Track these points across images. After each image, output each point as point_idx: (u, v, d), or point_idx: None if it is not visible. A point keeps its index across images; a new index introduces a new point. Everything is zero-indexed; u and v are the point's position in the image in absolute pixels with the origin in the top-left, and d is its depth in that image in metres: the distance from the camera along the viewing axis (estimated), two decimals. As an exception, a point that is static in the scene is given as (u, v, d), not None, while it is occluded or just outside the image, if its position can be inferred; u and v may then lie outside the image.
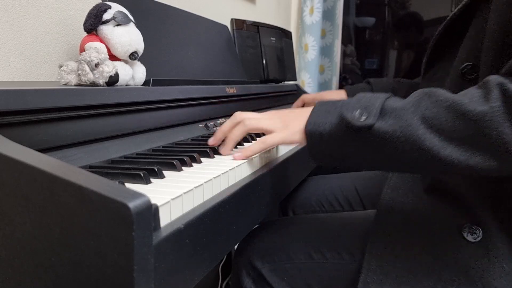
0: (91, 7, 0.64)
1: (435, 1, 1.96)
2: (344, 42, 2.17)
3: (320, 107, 0.53)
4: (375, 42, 2.17)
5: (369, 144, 0.48)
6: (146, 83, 0.70)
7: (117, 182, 0.34)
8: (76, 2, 0.82)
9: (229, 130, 0.59)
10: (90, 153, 0.51)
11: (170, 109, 0.70)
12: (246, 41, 1.32)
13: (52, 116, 0.47)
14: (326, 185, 0.98)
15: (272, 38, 1.48)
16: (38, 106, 0.45)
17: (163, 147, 0.63)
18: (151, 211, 0.30)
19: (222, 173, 0.48)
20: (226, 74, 1.08)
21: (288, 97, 1.40)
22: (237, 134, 0.57)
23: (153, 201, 0.32)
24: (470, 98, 0.45)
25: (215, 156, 0.59)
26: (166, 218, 0.36)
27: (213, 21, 1.11)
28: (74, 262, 0.30)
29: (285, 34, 1.63)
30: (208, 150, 0.58)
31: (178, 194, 0.38)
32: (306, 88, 2.02)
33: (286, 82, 1.60)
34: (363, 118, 0.47)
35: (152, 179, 0.44)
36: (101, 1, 0.68)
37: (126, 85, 0.65)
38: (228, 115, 0.92)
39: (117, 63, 0.62)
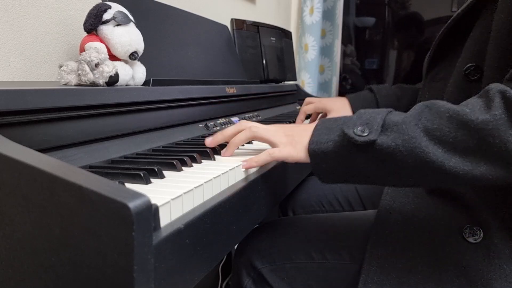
0: (91, 7, 0.64)
1: (435, 1, 1.96)
2: (344, 42, 2.17)
3: (322, 125, 0.52)
4: (375, 42, 2.17)
5: (373, 160, 0.47)
6: (146, 83, 0.70)
7: (117, 182, 0.34)
8: (76, 2, 0.82)
9: (231, 136, 0.59)
10: (90, 153, 0.51)
11: (170, 109, 0.70)
12: (246, 41, 1.32)
13: (52, 116, 0.47)
14: (326, 185, 0.98)
15: (272, 38, 1.48)
16: (38, 106, 0.45)
17: (163, 147, 0.63)
18: (151, 211, 0.30)
19: (222, 173, 0.48)
20: (226, 74, 1.08)
21: (288, 97, 1.40)
22: (241, 139, 0.57)
23: (153, 201, 0.32)
24: (471, 107, 0.44)
25: (215, 156, 0.58)
26: (166, 218, 0.36)
27: (213, 21, 1.11)
28: (74, 262, 0.30)
29: (285, 34, 1.63)
30: (208, 150, 0.58)
31: (178, 194, 0.38)
32: (306, 88, 2.02)
33: (286, 82, 1.60)
34: (365, 134, 0.47)
35: (152, 179, 0.44)
36: (101, 1, 0.68)
37: (126, 85, 0.65)
38: (228, 115, 0.92)
39: (117, 63, 0.62)
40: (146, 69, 0.71)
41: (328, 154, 0.49)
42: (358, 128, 0.47)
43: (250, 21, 1.38)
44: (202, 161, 0.55)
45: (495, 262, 0.53)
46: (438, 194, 0.60)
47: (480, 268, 0.53)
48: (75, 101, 0.50)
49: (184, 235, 0.36)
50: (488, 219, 0.54)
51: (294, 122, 1.00)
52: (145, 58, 0.70)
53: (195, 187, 0.41)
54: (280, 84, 1.50)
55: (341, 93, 2.14)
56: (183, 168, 0.50)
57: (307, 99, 0.96)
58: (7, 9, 0.68)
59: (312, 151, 0.51)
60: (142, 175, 0.43)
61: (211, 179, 0.45)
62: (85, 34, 0.64)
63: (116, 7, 0.64)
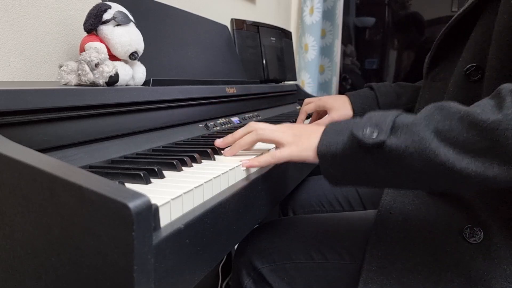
0: (91, 7, 0.64)
1: (435, 1, 1.96)
2: (344, 42, 2.17)
3: (331, 128, 0.52)
4: (375, 42, 2.17)
5: (382, 162, 0.46)
6: (146, 83, 0.70)
7: (117, 182, 0.34)
8: (76, 2, 0.82)
9: (240, 137, 0.59)
10: (90, 153, 0.51)
11: (170, 109, 0.70)
12: (246, 41, 1.32)
13: (52, 116, 0.47)
14: (326, 185, 0.98)
15: (272, 38, 1.49)
16: (38, 106, 0.45)
17: (163, 147, 0.63)
18: (151, 211, 0.30)
19: (222, 173, 0.48)
20: (226, 74, 1.08)
21: (288, 97, 1.40)
22: (247, 141, 0.58)
23: (153, 201, 0.32)
24: (482, 108, 0.43)
25: (215, 156, 0.58)
26: (166, 218, 0.36)
27: (213, 21, 1.11)
28: (74, 262, 0.30)
29: (285, 34, 1.63)
30: (208, 150, 0.58)
31: (178, 194, 0.38)
32: (306, 88, 2.02)
33: (286, 82, 1.60)
34: (375, 135, 0.46)
35: (152, 179, 0.44)
36: (101, 1, 0.68)
37: (126, 85, 0.65)
38: (228, 115, 0.92)
39: (117, 63, 0.62)
40: (146, 69, 0.71)
41: (337, 156, 0.49)
42: (368, 130, 0.47)
43: (250, 21, 1.38)
44: (202, 161, 0.55)
45: (495, 263, 0.53)
46: (438, 195, 0.60)
47: (481, 268, 0.53)
48: (75, 101, 0.50)
49: (184, 235, 0.36)
50: (489, 219, 0.54)
51: (295, 121, 1.00)
52: (145, 58, 0.70)
53: (195, 187, 0.41)
54: (280, 84, 1.50)
55: (341, 93, 2.14)
56: (183, 168, 0.50)
57: (307, 100, 0.96)
58: (7, 9, 0.68)
59: (321, 153, 0.50)
60: (142, 175, 0.43)
61: (211, 179, 0.45)
62: (85, 34, 0.64)
63: (116, 7, 0.64)
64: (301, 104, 1.16)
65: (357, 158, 0.48)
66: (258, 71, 1.37)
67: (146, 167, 0.46)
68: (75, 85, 0.59)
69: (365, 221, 0.67)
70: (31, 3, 0.72)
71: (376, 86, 0.93)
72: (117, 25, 0.63)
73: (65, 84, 0.60)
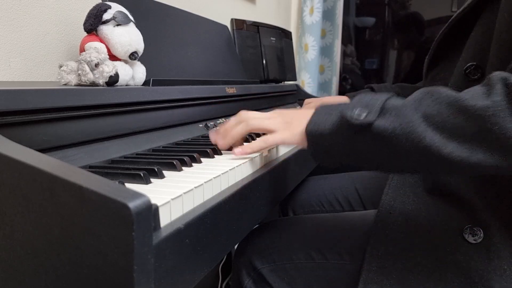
0: (91, 7, 0.64)
1: (435, 1, 1.96)
2: (344, 42, 2.17)
3: (322, 109, 0.52)
4: (375, 42, 2.17)
5: (370, 143, 0.47)
6: (146, 83, 0.70)
7: (117, 182, 0.34)
8: (76, 2, 0.82)
9: (231, 128, 0.59)
10: (90, 153, 0.51)
11: (170, 109, 0.70)
12: (246, 41, 1.32)
13: (52, 116, 0.47)
14: (326, 185, 0.98)
15: (272, 38, 1.49)
16: (38, 106, 0.45)
17: (163, 147, 0.63)
18: (151, 211, 0.30)
19: (222, 173, 0.48)
20: (226, 74, 1.08)
21: (288, 97, 1.40)
22: (238, 132, 0.58)
23: (153, 201, 0.32)
24: (471, 94, 0.44)
25: (215, 156, 0.58)
26: (166, 218, 0.36)
27: (213, 21, 1.11)
28: (74, 262, 0.30)
29: (285, 34, 1.63)
30: (208, 150, 0.58)
31: (178, 194, 0.38)
32: (306, 88, 2.02)
33: (286, 82, 1.60)
34: (363, 115, 0.46)
35: (152, 179, 0.44)
36: (101, 1, 0.68)
37: (126, 85, 0.65)
38: (228, 115, 0.92)
39: (117, 63, 0.62)
40: (146, 69, 0.71)
41: (325, 135, 0.49)
42: (357, 110, 0.47)
43: (250, 21, 1.38)
44: (202, 161, 0.55)
45: (496, 263, 0.53)
46: (438, 194, 0.60)
47: (481, 268, 0.53)
48: (75, 101, 0.50)
49: (184, 235, 0.36)
50: (489, 219, 0.54)
51: None
52: (145, 58, 0.70)
53: (195, 187, 0.41)
54: (280, 84, 1.50)
55: (341, 93, 2.14)
56: (183, 168, 0.50)
57: (307, 100, 0.96)
58: (7, 9, 0.68)
59: (309, 131, 0.51)
60: (142, 175, 0.43)
61: (211, 179, 0.45)
62: (85, 34, 0.64)
63: (116, 7, 0.64)
64: (301, 104, 1.16)
65: (345, 138, 0.48)
66: (258, 71, 1.37)
67: (146, 167, 0.46)
68: (75, 85, 0.59)
69: (365, 221, 0.67)
70: (31, 3, 0.72)
71: (376, 87, 0.93)
72: (117, 25, 0.63)
73: (65, 84, 0.60)
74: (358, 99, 0.49)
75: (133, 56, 0.65)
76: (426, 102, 0.45)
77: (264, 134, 0.58)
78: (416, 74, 2.00)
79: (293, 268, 0.66)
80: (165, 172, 0.47)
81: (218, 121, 0.85)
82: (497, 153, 0.42)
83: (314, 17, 2.01)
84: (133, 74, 0.67)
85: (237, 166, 0.52)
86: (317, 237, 0.67)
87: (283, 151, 0.70)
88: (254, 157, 0.58)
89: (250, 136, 0.74)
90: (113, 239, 0.28)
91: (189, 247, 0.37)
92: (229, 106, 0.93)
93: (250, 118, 0.57)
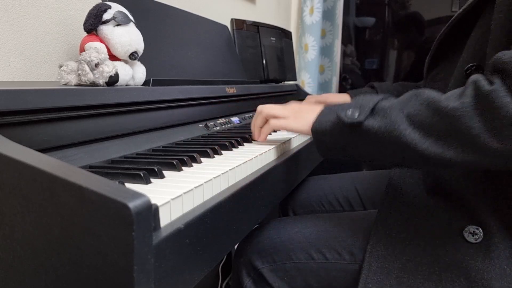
0: (91, 7, 0.64)
1: (435, 1, 1.96)
2: (344, 42, 2.17)
3: (326, 109, 0.59)
4: (375, 42, 2.17)
5: (361, 140, 0.53)
6: (146, 83, 0.70)
7: (117, 182, 0.34)
8: (76, 2, 0.82)
9: (254, 123, 0.70)
10: (90, 153, 0.51)
11: (170, 109, 0.70)
12: (246, 41, 1.32)
13: (52, 116, 0.47)
14: (326, 185, 0.98)
15: (272, 38, 1.49)
16: (38, 106, 0.45)
17: (163, 147, 0.63)
18: (151, 211, 0.30)
19: (222, 173, 0.48)
20: (226, 74, 1.08)
21: (288, 97, 1.40)
22: (258, 123, 0.69)
23: (153, 201, 0.32)
24: (448, 96, 0.48)
25: (215, 156, 0.59)
26: (166, 218, 0.36)
27: (213, 21, 1.11)
28: (74, 262, 0.30)
29: (285, 34, 1.63)
30: (208, 150, 0.58)
31: (178, 194, 0.38)
32: (306, 88, 2.02)
33: (286, 82, 1.60)
34: (356, 115, 0.53)
35: (152, 179, 0.44)
36: (101, 1, 0.68)
37: (126, 85, 0.65)
38: (228, 115, 0.92)
39: (117, 63, 0.62)
40: (146, 69, 0.71)
41: (326, 132, 0.57)
42: (350, 111, 0.54)
43: (250, 21, 1.38)
44: (202, 161, 0.55)
45: (496, 262, 0.53)
46: (438, 194, 0.60)
47: (481, 268, 0.53)
48: (75, 101, 0.50)
49: (184, 235, 0.36)
50: (489, 219, 0.54)
51: None
52: (145, 58, 0.70)
53: (195, 187, 0.41)
54: (280, 84, 1.50)
55: (341, 93, 2.14)
56: (183, 168, 0.50)
57: (309, 96, 0.97)
58: (7, 9, 0.68)
59: (314, 129, 0.58)
60: (142, 175, 0.43)
61: (211, 179, 0.45)
62: (85, 34, 0.64)
63: (116, 7, 0.64)
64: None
65: (340, 135, 0.55)
66: (258, 71, 1.37)
67: (146, 167, 0.46)
68: (75, 85, 0.59)
69: (365, 221, 0.67)
70: (31, 3, 0.72)
71: (377, 84, 0.94)
72: (117, 25, 0.63)
73: (65, 84, 0.60)
74: (354, 100, 0.56)
75: (133, 56, 0.65)
76: (411, 103, 0.50)
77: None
78: (416, 74, 2.00)
79: (293, 268, 0.66)
80: (165, 172, 0.47)
81: (218, 121, 0.85)
82: (467, 150, 0.46)
83: (314, 17, 2.01)
84: (133, 74, 0.67)
85: (237, 166, 0.52)
86: (317, 237, 0.67)
87: (283, 151, 0.70)
88: (254, 157, 0.58)
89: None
90: (113, 239, 0.28)
91: (189, 247, 0.37)
92: (229, 106, 0.93)
93: (264, 108, 0.68)
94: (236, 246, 0.75)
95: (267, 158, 0.63)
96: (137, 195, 0.29)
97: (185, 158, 0.52)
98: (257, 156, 0.59)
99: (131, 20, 0.66)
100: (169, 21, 0.90)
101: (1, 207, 0.34)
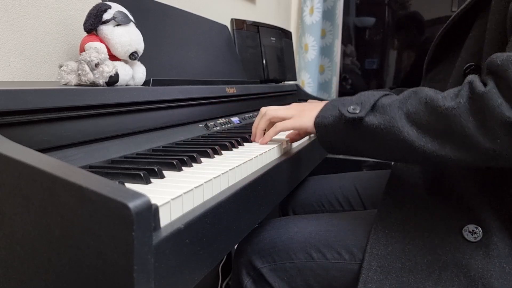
0: (91, 7, 0.64)
1: (435, 1, 1.96)
2: (344, 42, 2.17)
3: (329, 103, 0.60)
4: (375, 42, 2.17)
5: (361, 135, 0.55)
6: (146, 83, 0.70)
7: (117, 182, 0.34)
8: (76, 2, 0.82)
9: (257, 125, 0.70)
10: (90, 153, 0.51)
11: (170, 109, 0.70)
12: (246, 41, 1.32)
13: (52, 116, 0.47)
14: (326, 185, 0.98)
15: (272, 38, 1.49)
16: (38, 106, 0.45)
17: (163, 147, 0.63)
18: (151, 211, 0.30)
19: (222, 173, 0.48)
20: (226, 74, 1.08)
21: (288, 97, 1.40)
22: (262, 126, 0.69)
23: (153, 201, 0.32)
24: (445, 95, 0.49)
25: (215, 156, 0.59)
26: (166, 218, 0.36)
27: (213, 21, 1.11)
28: (74, 262, 0.30)
29: (285, 34, 1.63)
30: (208, 150, 0.58)
31: (178, 194, 0.38)
32: (306, 88, 2.02)
33: (286, 82, 1.60)
34: (357, 111, 0.54)
35: (152, 179, 0.44)
36: (101, 1, 0.68)
37: (126, 85, 0.65)
38: (228, 115, 0.92)
39: (117, 63, 0.62)
40: (146, 69, 0.71)
41: (328, 127, 0.58)
42: (351, 107, 0.55)
43: (250, 21, 1.38)
44: (202, 161, 0.55)
45: (495, 261, 0.53)
46: (437, 194, 0.60)
47: (480, 267, 0.53)
48: (75, 101, 0.50)
49: (184, 235, 0.36)
50: (488, 218, 0.54)
51: None
52: (145, 58, 0.70)
53: (195, 187, 0.41)
54: (280, 84, 1.50)
55: (341, 93, 2.14)
56: (183, 168, 0.50)
57: (309, 101, 0.97)
58: (7, 9, 0.68)
59: (316, 124, 0.59)
60: (142, 175, 0.43)
61: (211, 179, 0.45)
62: (85, 34, 0.64)
63: (116, 7, 0.64)
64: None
65: (341, 130, 0.56)
66: (258, 71, 1.37)
67: (146, 167, 0.46)
68: (75, 85, 0.59)
69: (365, 221, 0.67)
70: (31, 3, 0.72)
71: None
72: (117, 25, 0.63)
73: (65, 84, 0.60)
74: (356, 96, 0.57)
75: (133, 56, 0.65)
76: (410, 101, 0.51)
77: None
78: (416, 74, 2.00)
79: (293, 267, 0.66)
80: (165, 172, 0.47)
81: (218, 121, 0.85)
82: (461, 149, 0.48)
83: (314, 17, 2.01)
84: (133, 74, 0.67)
85: (237, 166, 0.52)
86: (317, 236, 0.67)
87: (283, 151, 0.70)
88: (254, 157, 0.58)
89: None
90: (113, 239, 0.28)
91: (189, 247, 0.37)
92: (229, 106, 0.93)
93: (268, 110, 0.68)
94: (236, 246, 0.75)
95: (267, 158, 0.63)
96: (137, 195, 0.29)
97: (185, 158, 0.52)
98: (257, 156, 0.59)
99: (131, 20, 0.66)
100: (169, 21, 0.90)
101: (1, 207, 0.34)
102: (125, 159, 0.54)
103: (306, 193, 0.99)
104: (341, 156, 1.77)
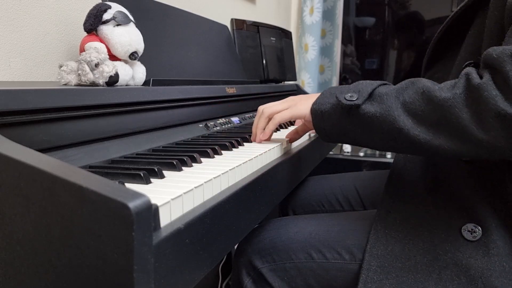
0: (91, 7, 0.64)
1: (435, 1, 1.96)
2: (344, 42, 2.17)
3: (327, 90, 0.61)
4: (375, 42, 2.17)
5: (358, 123, 0.55)
6: (146, 83, 0.70)
7: (117, 182, 0.34)
8: (76, 2, 0.82)
9: (256, 124, 0.70)
10: (90, 153, 0.51)
11: (170, 109, 0.70)
12: (246, 41, 1.32)
13: (52, 116, 0.47)
14: (326, 185, 0.98)
15: (272, 38, 1.49)
16: (38, 106, 0.45)
17: (163, 147, 0.63)
18: (151, 211, 0.30)
19: (222, 173, 0.48)
20: (226, 74, 1.08)
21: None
22: (262, 124, 0.70)
23: (153, 201, 0.32)
24: (442, 86, 0.50)
25: (215, 156, 0.59)
26: (166, 218, 0.36)
27: (213, 21, 1.11)
28: (74, 262, 0.30)
29: (285, 34, 1.63)
30: (208, 150, 0.58)
31: (178, 194, 0.38)
32: (306, 88, 2.02)
33: (286, 82, 1.60)
34: (354, 99, 0.54)
35: (152, 179, 0.44)
36: (101, 1, 0.68)
37: (126, 85, 0.65)
38: (228, 115, 0.92)
39: (117, 63, 0.62)
40: (146, 69, 0.71)
41: (324, 114, 0.58)
42: (349, 94, 0.55)
43: (250, 21, 1.38)
44: (202, 161, 0.55)
45: (495, 260, 0.53)
46: (436, 193, 0.60)
47: (480, 265, 0.53)
48: (75, 101, 0.50)
49: (184, 235, 0.36)
50: (487, 216, 0.54)
51: (294, 122, 1.01)
52: (145, 58, 0.70)
53: (195, 187, 0.41)
54: (280, 84, 1.50)
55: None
56: (183, 168, 0.50)
57: None
58: (7, 9, 0.68)
59: (313, 110, 0.60)
60: (142, 175, 0.43)
61: (211, 179, 0.45)
62: (85, 34, 0.64)
63: (116, 7, 0.64)
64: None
65: (338, 117, 0.57)
66: (258, 71, 1.37)
67: (146, 167, 0.46)
68: (75, 85, 0.59)
69: (365, 221, 0.67)
70: (31, 3, 0.72)
71: None
72: (117, 25, 0.63)
73: (65, 84, 0.60)
74: (354, 85, 0.57)
75: (133, 56, 0.65)
76: (407, 91, 0.52)
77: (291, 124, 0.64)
78: (416, 74, 1.99)
79: (293, 267, 0.66)
80: (165, 172, 0.47)
81: (218, 121, 0.85)
82: (455, 139, 0.48)
83: (314, 17, 2.01)
84: (133, 74, 0.67)
85: (237, 166, 0.52)
86: (317, 236, 0.67)
87: (283, 152, 0.70)
88: (254, 157, 0.58)
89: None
90: (113, 239, 0.28)
91: (189, 247, 0.37)
92: (229, 106, 0.93)
93: (265, 108, 0.68)
94: (236, 246, 0.75)
95: (267, 158, 0.63)
96: (137, 195, 0.29)
97: (185, 158, 0.52)
98: (257, 156, 0.59)
99: (131, 20, 0.66)
100: (169, 21, 0.90)
101: (1, 207, 0.34)
102: (125, 159, 0.54)
103: (306, 193, 0.99)
104: (341, 156, 1.77)
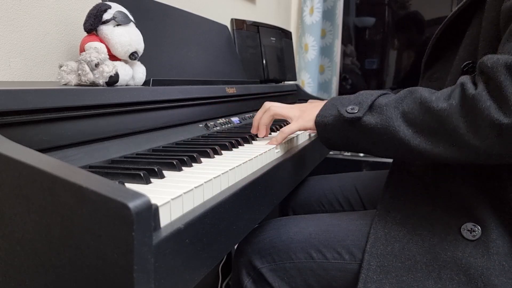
0: (91, 7, 0.64)
1: (435, 1, 1.96)
2: (344, 42, 2.17)
3: (329, 102, 0.63)
4: (375, 42, 2.17)
5: (360, 134, 0.57)
6: (146, 83, 0.70)
7: (117, 182, 0.34)
8: (76, 2, 0.82)
9: (260, 118, 0.72)
10: (90, 153, 0.51)
11: (170, 109, 0.70)
12: (246, 41, 1.32)
13: (52, 116, 0.47)
14: (326, 185, 0.98)
15: (272, 38, 1.49)
16: (38, 106, 0.45)
17: (163, 147, 0.63)
18: (151, 211, 0.30)
19: (222, 173, 0.48)
20: (226, 74, 1.08)
21: (288, 97, 1.40)
22: (264, 121, 0.71)
23: (153, 201, 0.32)
24: (439, 95, 0.51)
25: (215, 156, 0.59)
26: (166, 218, 0.36)
27: (213, 21, 1.11)
28: (74, 262, 0.30)
29: (285, 34, 1.63)
30: (208, 150, 0.58)
31: (178, 194, 0.38)
32: (306, 88, 2.02)
33: (286, 82, 1.60)
34: (355, 111, 0.56)
35: (152, 179, 0.44)
36: (101, 1, 0.68)
37: (126, 85, 0.65)
38: (228, 115, 0.92)
39: (117, 63, 0.62)
40: (146, 69, 0.71)
41: (327, 126, 0.60)
42: (350, 107, 0.57)
43: (250, 21, 1.38)
44: (202, 161, 0.55)
45: (494, 259, 0.53)
46: (436, 192, 0.60)
47: (480, 265, 0.53)
48: (75, 101, 0.50)
49: (184, 235, 0.36)
50: (486, 216, 0.55)
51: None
52: (145, 58, 0.70)
53: (195, 187, 0.41)
54: (280, 84, 1.50)
55: (341, 93, 2.14)
56: (183, 168, 0.50)
57: (310, 101, 0.97)
58: (7, 9, 0.68)
59: (317, 122, 0.62)
60: (142, 175, 0.43)
61: (211, 179, 0.45)
62: (85, 34, 0.64)
63: (116, 7, 0.64)
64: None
65: (340, 129, 0.59)
66: (258, 71, 1.37)
67: (146, 167, 0.46)
68: (75, 85, 0.59)
69: (365, 221, 0.67)
70: (31, 3, 0.72)
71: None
72: (117, 25, 0.63)
73: (65, 84, 0.60)
74: (355, 96, 0.59)
75: (133, 56, 0.65)
76: (406, 101, 0.54)
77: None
78: (416, 74, 1.99)
79: (293, 267, 0.66)
80: (165, 172, 0.47)
81: (218, 121, 0.85)
82: (453, 148, 0.50)
83: (314, 17, 2.01)
84: (133, 74, 0.67)
85: (237, 166, 0.52)
86: (317, 236, 0.67)
87: (283, 152, 0.70)
88: (254, 157, 0.58)
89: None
90: (113, 239, 0.28)
91: (189, 247, 0.37)
92: (229, 106, 0.93)
93: (272, 106, 0.70)
94: (236, 246, 0.75)
95: (267, 158, 0.63)
96: (137, 195, 0.29)
97: (185, 158, 0.52)
98: (257, 156, 0.59)
99: (131, 20, 0.66)
100: (169, 21, 0.90)
101: (1, 207, 0.34)
102: (125, 159, 0.54)
103: (306, 193, 0.99)
104: (341, 156, 1.77)
